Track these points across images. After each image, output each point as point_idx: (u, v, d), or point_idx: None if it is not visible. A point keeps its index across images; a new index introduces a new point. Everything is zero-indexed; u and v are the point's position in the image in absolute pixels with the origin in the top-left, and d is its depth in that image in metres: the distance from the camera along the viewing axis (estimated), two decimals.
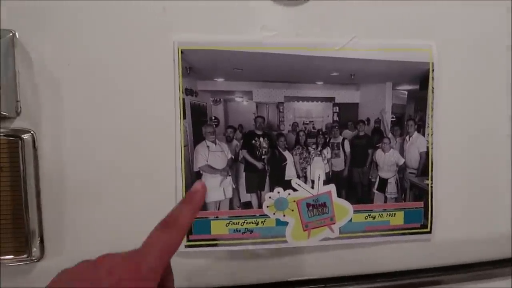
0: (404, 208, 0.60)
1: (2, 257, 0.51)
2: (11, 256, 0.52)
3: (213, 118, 0.55)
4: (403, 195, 0.60)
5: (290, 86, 0.56)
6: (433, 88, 0.59)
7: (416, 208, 0.61)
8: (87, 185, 0.53)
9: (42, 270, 0.53)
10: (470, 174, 0.63)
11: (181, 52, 0.52)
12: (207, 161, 0.55)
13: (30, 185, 0.51)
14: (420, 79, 0.59)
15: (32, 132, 0.51)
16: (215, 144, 0.55)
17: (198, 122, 0.54)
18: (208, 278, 0.57)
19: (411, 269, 0.63)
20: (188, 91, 0.53)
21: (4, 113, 0.49)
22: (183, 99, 0.53)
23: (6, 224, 0.51)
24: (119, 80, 0.52)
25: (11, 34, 0.49)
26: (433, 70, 0.59)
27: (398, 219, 0.60)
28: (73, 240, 0.53)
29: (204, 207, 0.55)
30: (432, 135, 0.60)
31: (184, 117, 0.53)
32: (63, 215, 0.53)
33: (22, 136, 0.50)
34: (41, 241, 0.53)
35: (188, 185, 0.54)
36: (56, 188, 0.52)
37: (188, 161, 0.54)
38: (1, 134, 0.50)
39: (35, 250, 0.52)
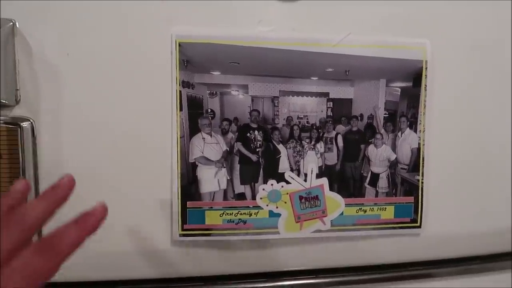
0: (395, 203, 0.61)
1: None
2: None
3: (209, 110, 0.55)
4: (394, 190, 0.61)
5: (286, 80, 0.57)
6: (426, 86, 0.59)
7: (406, 203, 0.61)
8: (85, 174, 0.51)
9: None
10: (460, 171, 0.64)
11: (179, 45, 0.52)
12: (202, 153, 0.55)
13: (28, 174, 0.51)
14: (413, 76, 0.59)
15: (31, 121, 0.51)
16: (211, 136, 0.55)
17: (194, 114, 0.55)
18: (202, 266, 0.58)
19: (401, 262, 0.64)
20: (185, 84, 0.54)
21: (4, 101, 0.50)
22: (180, 91, 0.53)
23: None
24: (117, 71, 0.52)
25: (11, 23, 0.49)
26: (426, 68, 0.59)
27: (388, 213, 0.61)
28: None
29: (199, 197, 0.56)
30: (424, 131, 0.61)
31: (181, 109, 0.54)
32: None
33: (21, 124, 0.51)
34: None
35: (183, 175, 0.55)
36: (55, 177, 0.48)
37: (184, 153, 0.54)
38: (1, 122, 0.50)
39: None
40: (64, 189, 0.34)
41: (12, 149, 0.51)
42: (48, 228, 0.34)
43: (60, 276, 0.50)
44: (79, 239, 0.32)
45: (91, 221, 0.33)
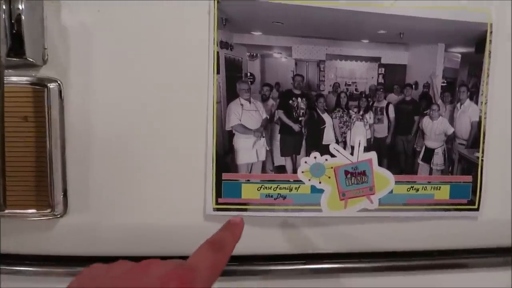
0: (451, 182, 0.57)
1: (23, 211, 0.50)
2: (34, 210, 0.50)
3: (249, 74, 0.52)
4: (450, 168, 0.57)
5: (333, 43, 0.53)
6: (490, 52, 0.55)
7: (464, 182, 0.57)
8: (115, 140, 0.51)
9: (65, 226, 0.52)
10: None
11: (217, 2, 0.49)
12: (240, 120, 0.52)
13: (55, 137, 0.49)
14: (476, 41, 0.54)
15: (58, 82, 0.49)
16: (250, 102, 0.52)
17: (233, 78, 0.51)
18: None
19: (455, 249, 0.60)
20: (223, 44, 0.50)
21: (30, 60, 0.47)
22: (218, 53, 0.50)
23: (28, 176, 0.50)
24: (151, 29, 0.49)
25: None
26: (491, 32, 0.54)
27: (443, 193, 0.56)
28: (98, 197, 0.52)
29: (235, 169, 0.53)
30: (486, 103, 0.56)
31: (218, 72, 0.50)
32: (88, 170, 0.51)
33: (48, 85, 0.48)
34: (65, 195, 0.51)
35: (219, 145, 0.52)
36: (82, 142, 0.50)
37: (220, 119, 0.52)
38: (27, 82, 0.48)
39: (59, 205, 0.50)
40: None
41: (38, 111, 0.49)
42: None
43: (87, 250, 0.52)
44: (234, 245, 0.38)
45: (237, 231, 0.40)
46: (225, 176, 0.52)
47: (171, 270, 0.31)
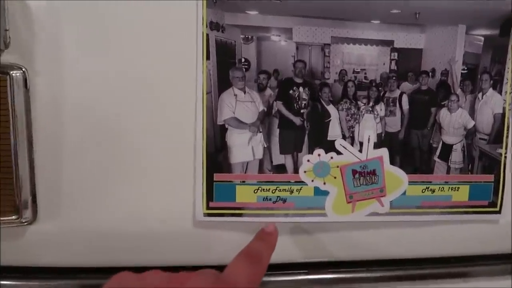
0: (470, 182, 0.53)
1: None
2: None
3: (243, 60, 0.48)
4: (470, 166, 0.53)
5: (339, 24, 0.49)
6: None
7: (484, 182, 0.53)
8: (89, 136, 0.47)
9: (34, 235, 0.48)
10: None
11: None
12: (233, 113, 0.49)
13: (20, 133, 0.45)
14: (500, 23, 0.51)
15: (23, 69, 0.44)
16: (245, 92, 0.49)
17: (225, 65, 0.48)
18: (230, 253, 0.49)
19: (474, 255, 0.56)
20: (213, 25, 0.46)
21: None
22: (207, 35, 0.46)
23: None
24: (129, 8, 0.45)
25: None
26: None
27: (462, 194, 0.53)
28: (72, 201, 0.48)
29: (228, 168, 0.49)
30: (511, 93, 0.52)
31: (208, 58, 0.47)
32: (60, 170, 0.47)
33: (11, 72, 0.44)
34: (34, 201, 0.47)
35: (210, 141, 0.48)
36: (52, 138, 0.46)
37: (211, 112, 0.48)
38: None
39: (26, 211, 0.47)
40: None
41: (0, 102, 0.44)
42: None
43: (60, 261, 0.49)
44: (270, 256, 0.39)
45: (272, 240, 0.41)
46: (216, 176, 0.49)
47: (210, 285, 0.32)
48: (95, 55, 0.45)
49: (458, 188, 0.53)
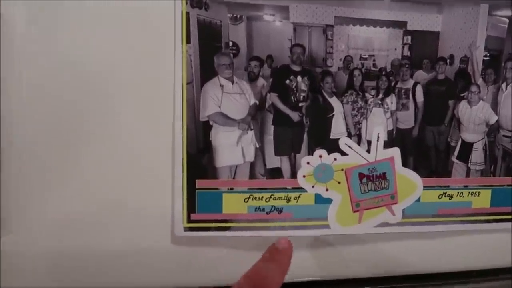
0: (492, 186, 0.50)
1: None
2: None
3: (231, 44, 0.45)
4: (492, 167, 0.51)
5: (343, 2, 0.46)
6: None
7: (508, 185, 0.51)
8: (46, 136, 0.42)
9: None
10: None
11: None
12: (219, 107, 0.46)
13: None
14: None
15: None
16: (233, 82, 0.45)
17: (209, 49, 0.44)
18: (214, 274, 0.48)
19: (494, 268, 0.52)
20: (194, 2, 0.43)
21: None
22: (187, 13, 0.42)
23: None
24: None
25: None
26: None
27: (483, 200, 0.50)
28: (27, 216, 0.44)
29: (214, 173, 0.46)
30: None
31: (188, 41, 0.43)
32: (10, 179, 0.42)
33: None
34: None
35: (191, 141, 0.44)
36: (4, 143, 0.42)
37: (193, 106, 0.45)
38: None
39: None
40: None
41: None
42: None
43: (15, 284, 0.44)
44: (282, 277, 0.35)
45: (285, 258, 0.36)
46: (199, 183, 0.46)
47: None
48: (55, 38, 0.41)
49: (479, 193, 0.50)
